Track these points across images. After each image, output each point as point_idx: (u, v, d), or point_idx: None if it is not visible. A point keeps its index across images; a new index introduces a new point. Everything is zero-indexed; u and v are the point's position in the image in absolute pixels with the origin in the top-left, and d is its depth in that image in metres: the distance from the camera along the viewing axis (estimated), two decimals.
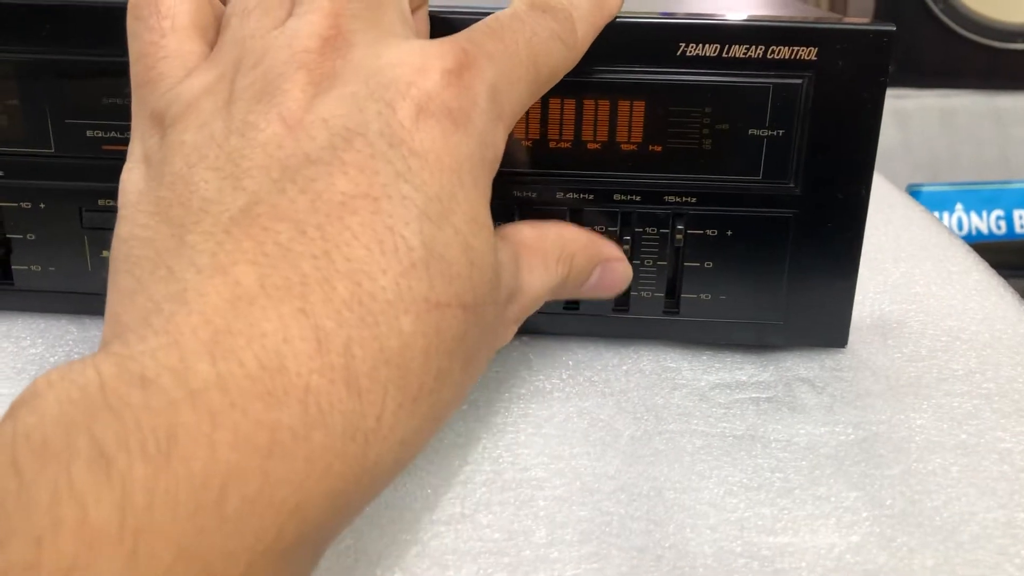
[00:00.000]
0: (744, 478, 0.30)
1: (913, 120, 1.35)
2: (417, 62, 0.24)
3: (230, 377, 0.19)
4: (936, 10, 1.30)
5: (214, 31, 0.28)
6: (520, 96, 0.27)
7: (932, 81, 1.36)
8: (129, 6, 0.28)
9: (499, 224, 0.28)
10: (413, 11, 0.29)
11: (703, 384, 0.34)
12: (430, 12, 0.31)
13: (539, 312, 0.36)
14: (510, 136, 0.33)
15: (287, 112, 0.23)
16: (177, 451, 0.18)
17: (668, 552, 0.27)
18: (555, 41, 0.28)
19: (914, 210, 0.49)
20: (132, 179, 0.25)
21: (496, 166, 0.26)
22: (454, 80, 0.24)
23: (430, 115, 0.24)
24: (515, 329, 0.30)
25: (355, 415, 0.21)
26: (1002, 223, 1.27)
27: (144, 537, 0.17)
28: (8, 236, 0.36)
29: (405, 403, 0.22)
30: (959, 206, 1.28)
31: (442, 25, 0.31)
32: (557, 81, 0.29)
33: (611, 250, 0.33)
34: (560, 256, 0.30)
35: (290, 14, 0.26)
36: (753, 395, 0.34)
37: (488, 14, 0.28)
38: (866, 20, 0.32)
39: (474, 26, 0.27)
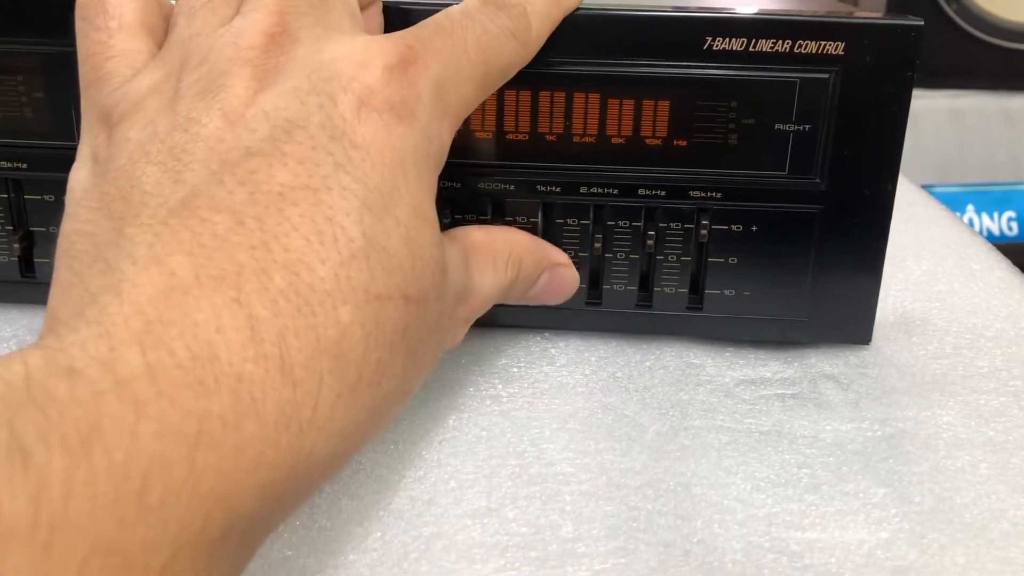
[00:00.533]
0: (771, 474, 0.29)
1: (923, 120, 1.34)
2: (359, 57, 0.24)
3: (159, 366, 0.19)
4: (948, 10, 1.30)
5: (162, 31, 0.28)
6: (467, 93, 0.27)
7: (943, 81, 1.35)
8: (77, 6, 0.28)
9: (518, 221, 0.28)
10: (364, 8, 0.29)
11: (728, 380, 0.34)
12: (402, 4, 0.31)
13: (561, 308, 0.36)
14: (534, 130, 0.34)
15: (228, 107, 0.23)
16: (99, 442, 0.18)
17: (696, 547, 0.27)
18: (507, 38, 0.28)
19: (934, 208, 0.49)
20: (79, 177, 0.25)
21: (442, 161, 0.26)
22: (397, 75, 0.24)
23: (372, 109, 0.24)
24: (466, 329, 0.30)
25: (290, 404, 0.21)
26: (1014, 224, 1.26)
27: (59, 530, 0.17)
28: (31, 229, 0.36)
29: (343, 393, 0.22)
30: (970, 207, 1.28)
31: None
32: (510, 77, 0.29)
33: (558, 256, 0.34)
34: (509, 259, 0.31)
35: (237, 12, 0.26)
36: (778, 391, 0.33)
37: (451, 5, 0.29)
38: (893, 15, 0.32)
39: (424, 22, 0.27)
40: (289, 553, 0.26)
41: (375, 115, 0.24)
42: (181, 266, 0.21)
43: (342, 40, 0.25)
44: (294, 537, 0.26)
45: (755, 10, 0.32)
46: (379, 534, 0.27)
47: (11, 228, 0.36)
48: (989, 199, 1.28)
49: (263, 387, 0.20)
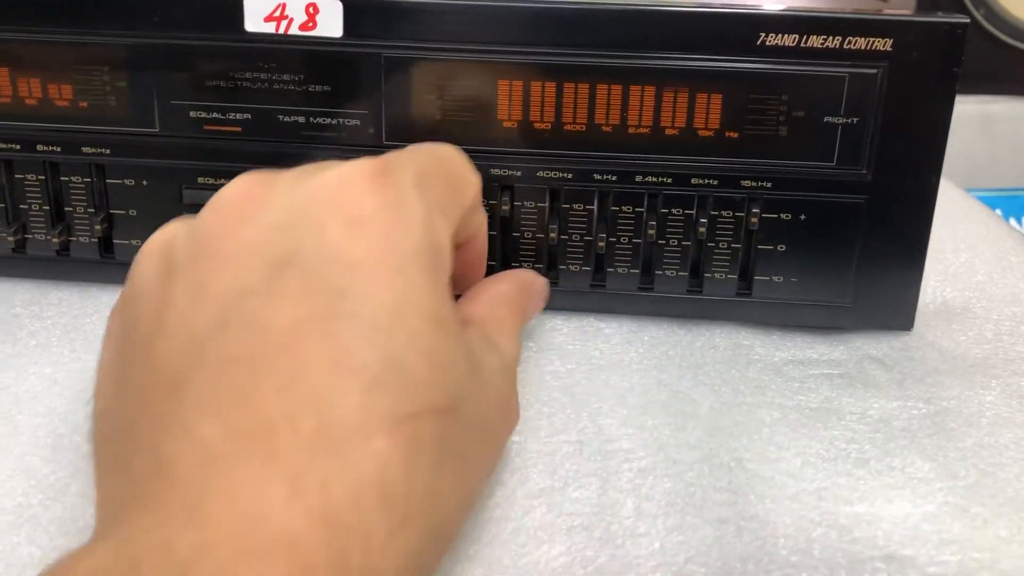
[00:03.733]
0: (821, 449, 0.31)
1: (953, 125, 1.34)
2: (336, 178, 0.24)
3: (214, 543, 0.19)
4: (977, 14, 1.30)
5: None
6: (442, 190, 0.27)
7: (972, 87, 1.35)
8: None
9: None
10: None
11: (777, 360, 0.35)
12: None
13: (614, 292, 0.37)
14: (592, 121, 0.35)
15: (216, 251, 0.23)
16: None
17: (750, 523, 0.28)
18: (461, 159, 0.29)
19: (970, 203, 0.50)
20: (106, 346, 0.26)
21: (447, 259, 0.26)
22: (378, 180, 0.24)
23: (362, 222, 0.23)
24: (516, 393, 0.29)
25: (343, 553, 0.20)
26: None
27: None
28: (112, 212, 0.38)
29: (395, 529, 0.21)
30: (998, 212, 1.28)
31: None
32: (467, 203, 0.29)
33: (521, 277, 0.33)
34: (514, 309, 0.31)
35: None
36: (826, 371, 0.35)
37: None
38: (940, 13, 0.34)
39: None
40: None
41: (367, 226, 0.23)
42: (212, 432, 0.21)
43: (318, 173, 0.25)
44: None
45: (806, 7, 0.34)
46: None
47: (92, 211, 0.38)
48: (1019, 204, 1.29)
49: (311, 541, 0.20)
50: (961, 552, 0.27)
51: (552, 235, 0.36)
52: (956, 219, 0.48)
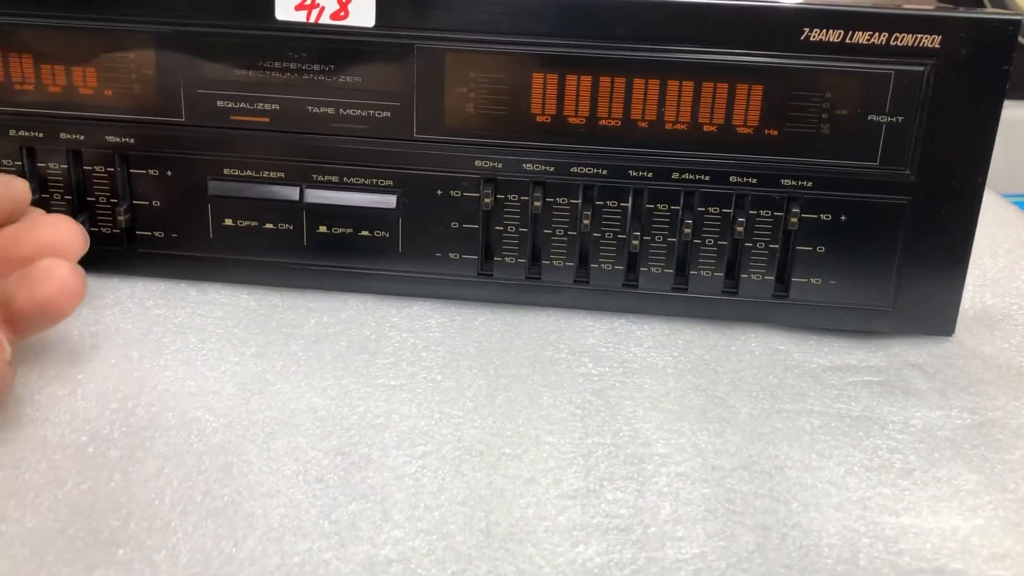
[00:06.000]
0: (864, 458, 0.30)
1: None
2: None
3: None
4: None
5: None
6: None
7: None
8: None
9: None
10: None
11: (815, 366, 0.35)
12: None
13: (647, 293, 0.36)
14: (627, 116, 0.34)
15: None
16: None
17: (793, 531, 0.27)
18: None
19: (1007, 209, 0.49)
20: None
21: None
22: None
23: None
24: None
25: None
26: None
27: None
28: (135, 203, 0.37)
29: None
30: None
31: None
32: None
33: None
34: None
35: None
36: (865, 378, 0.34)
37: None
38: (991, 10, 0.33)
39: None
40: (398, 534, 0.26)
41: None
42: None
43: None
44: (402, 518, 0.27)
45: (847, 2, 0.33)
46: (483, 514, 0.27)
47: (115, 201, 0.37)
48: None
49: None
50: (1013, 567, 0.26)
51: (584, 233, 0.36)
52: (991, 224, 0.47)
